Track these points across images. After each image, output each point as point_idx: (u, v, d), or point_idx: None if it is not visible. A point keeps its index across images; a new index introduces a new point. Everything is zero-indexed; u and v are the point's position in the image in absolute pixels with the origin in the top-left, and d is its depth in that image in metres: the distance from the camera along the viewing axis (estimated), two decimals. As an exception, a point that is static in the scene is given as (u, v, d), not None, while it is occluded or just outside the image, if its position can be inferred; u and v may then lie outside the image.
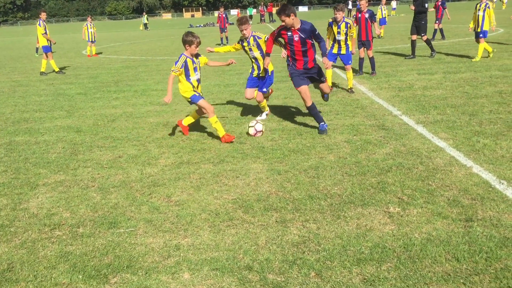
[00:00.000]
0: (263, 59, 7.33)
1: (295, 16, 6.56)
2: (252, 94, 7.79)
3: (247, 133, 6.87)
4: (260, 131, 6.82)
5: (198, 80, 6.69)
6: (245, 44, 7.51)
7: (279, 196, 4.77)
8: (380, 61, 13.86)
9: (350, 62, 9.66)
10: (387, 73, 11.83)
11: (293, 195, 4.75)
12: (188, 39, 6.47)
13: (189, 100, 6.71)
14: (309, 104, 6.83)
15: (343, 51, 9.55)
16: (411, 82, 10.41)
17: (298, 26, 6.58)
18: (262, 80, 7.71)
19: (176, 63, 6.48)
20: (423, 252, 3.56)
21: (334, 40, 9.58)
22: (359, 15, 11.09)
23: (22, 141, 7.37)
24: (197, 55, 6.68)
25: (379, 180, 5.00)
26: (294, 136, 6.81)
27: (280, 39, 7.02)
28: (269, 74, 7.64)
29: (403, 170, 5.24)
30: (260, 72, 7.63)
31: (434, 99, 8.55)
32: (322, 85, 7.37)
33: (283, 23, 6.55)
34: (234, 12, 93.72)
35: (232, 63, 7.22)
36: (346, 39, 9.45)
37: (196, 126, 7.71)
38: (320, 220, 4.18)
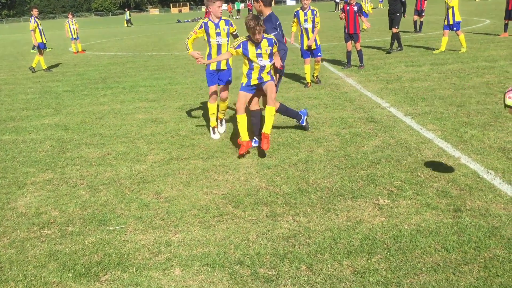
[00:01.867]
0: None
1: (265, 5, 6.19)
2: (216, 93, 6.76)
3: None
4: None
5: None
6: (210, 26, 6.30)
7: (269, 190, 4.77)
8: (368, 53, 13.90)
9: (320, 54, 9.77)
10: (375, 65, 11.87)
11: (283, 189, 4.76)
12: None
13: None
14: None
15: (313, 46, 9.60)
16: (399, 74, 10.45)
17: (265, 16, 6.21)
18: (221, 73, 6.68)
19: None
20: (413, 243, 3.58)
21: (302, 32, 9.61)
22: (347, 8, 11.09)
23: (9, 140, 7.29)
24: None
25: (369, 173, 5.02)
26: (283, 130, 6.81)
27: None
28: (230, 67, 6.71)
29: (392, 162, 5.26)
30: (221, 65, 6.57)
31: (422, 91, 8.60)
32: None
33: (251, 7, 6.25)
34: (224, 7, 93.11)
35: None
36: (313, 27, 9.48)
37: (185, 122, 7.68)
38: (310, 214, 4.19)
